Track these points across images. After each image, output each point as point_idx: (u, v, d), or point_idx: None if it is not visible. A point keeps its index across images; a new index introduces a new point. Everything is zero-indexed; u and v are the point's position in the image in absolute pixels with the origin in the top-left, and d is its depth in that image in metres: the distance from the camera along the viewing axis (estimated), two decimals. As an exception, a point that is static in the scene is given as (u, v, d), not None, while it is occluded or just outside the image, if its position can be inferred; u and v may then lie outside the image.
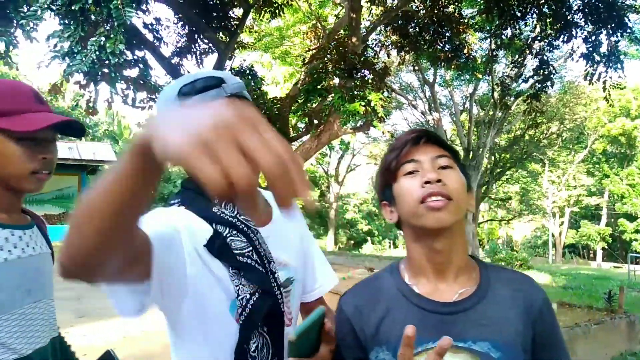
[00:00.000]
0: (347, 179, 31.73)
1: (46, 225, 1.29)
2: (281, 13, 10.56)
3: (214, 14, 9.53)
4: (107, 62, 4.86)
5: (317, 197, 29.02)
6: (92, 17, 4.82)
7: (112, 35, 4.68)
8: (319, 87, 8.80)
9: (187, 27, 9.54)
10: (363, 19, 14.35)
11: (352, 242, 32.10)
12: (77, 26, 4.85)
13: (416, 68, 15.23)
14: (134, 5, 4.68)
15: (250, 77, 10.64)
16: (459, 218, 0.90)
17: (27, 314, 1.06)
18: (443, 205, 0.87)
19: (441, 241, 0.91)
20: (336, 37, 10.08)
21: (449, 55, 10.90)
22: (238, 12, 10.18)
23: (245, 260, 0.96)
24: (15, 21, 5.26)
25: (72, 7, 4.68)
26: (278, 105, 10.01)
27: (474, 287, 0.93)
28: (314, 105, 9.68)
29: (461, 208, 0.91)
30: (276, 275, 1.01)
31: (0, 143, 1.04)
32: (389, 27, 11.11)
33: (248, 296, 0.95)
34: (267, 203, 1.12)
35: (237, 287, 0.95)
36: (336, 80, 8.99)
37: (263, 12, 10.21)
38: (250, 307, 0.94)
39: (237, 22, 10.01)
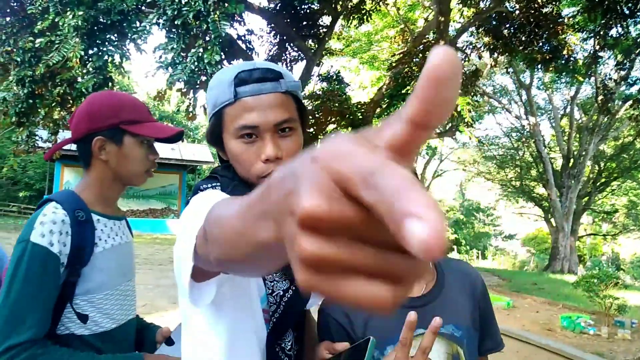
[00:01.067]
0: (433, 185, 30.90)
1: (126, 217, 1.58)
2: (369, 18, 10.67)
3: (304, 22, 9.92)
4: (204, 71, 5.33)
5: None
6: (193, 30, 5.30)
7: (209, 47, 5.13)
8: (403, 91, 8.77)
9: (278, 37, 10.06)
10: (453, 21, 13.99)
11: (438, 250, 31.02)
12: (180, 39, 5.38)
13: (510, 70, 14.48)
14: (229, 18, 5.09)
15: (336, 82, 10.91)
16: None
17: (123, 291, 1.28)
18: None
19: None
20: (423, 40, 9.95)
21: (547, 57, 10.23)
22: (327, 19, 10.49)
23: None
24: (128, 36, 5.97)
25: (176, 22, 5.20)
26: (362, 110, 10.13)
27: (434, 280, 1.05)
28: (398, 109, 9.65)
29: None
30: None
31: (133, 146, 1.26)
32: (481, 29, 10.72)
33: (282, 293, 0.88)
34: None
35: (272, 283, 0.88)
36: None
37: (351, 18, 10.41)
38: (284, 304, 0.88)
39: (325, 30, 10.32)
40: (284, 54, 10.37)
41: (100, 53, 6.01)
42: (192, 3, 5.20)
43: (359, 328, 0.98)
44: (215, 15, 5.12)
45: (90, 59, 5.90)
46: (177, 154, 21.42)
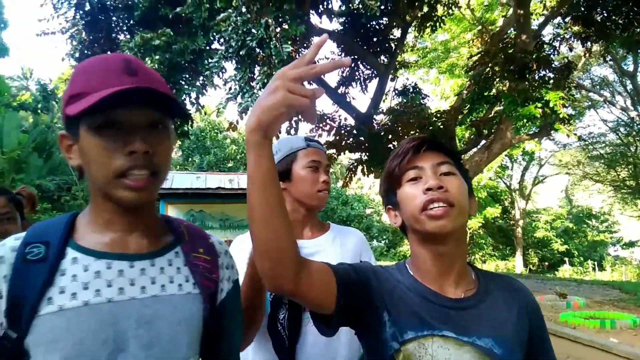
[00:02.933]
0: (534, 193, 28.55)
1: None
2: (442, 25, 10.26)
3: (374, 39, 9.79)
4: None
5: (500, 214, 26.68)
6: (257, 57, 5.37)
7: (273, 73, 5.15)
8: (485, 94, 8.16)
9: (349, 56, 10.01)
10: (536, 14, 12.98)
11: (546, 263, 28.46)
12: (246, 68, 5.48)
13: (608, 58, 12.99)
14: (290, 40, 5.08)
15: (414, 94, 10.57)
16: (461, 224, 0.96)
17: None
18: (444, 212, 0.92)
19: (445, 245, 0.96)
20: (502, 39, 9.28)
21: (653, 36, 9.00)
22: (397, 32, 10.26)
23: None
24: (202, 73, 6.24)
25: (241, 52, 5.31)
26: (443, 119, 9.63)
27: (474, 289, 1.00)
28: (481, 114, 9.01)
29: (463, 214, 0.95)
30: None
31: (86, 135, 0.79)
32: (568, 17, 9.77)
33: None
34: (323, 228, 1.58)
35: None
36: (507, 85, 8.22)
37: (423, 27, 10.08)
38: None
39: (396, 43, 10.09)
40: (356, 74, 10.29)
41: (177, 92, 6.34)
42: (255, 31, 5.30)
43: (380, 292, 0.99)
44: (277, 40, 5.14)
45: (168, 99, 6.24)
46: (236, 184, 22.00)
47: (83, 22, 6.61)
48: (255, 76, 5.52)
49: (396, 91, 11.06)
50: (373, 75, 10.33)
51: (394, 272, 1.05)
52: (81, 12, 6.62)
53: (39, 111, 25.19)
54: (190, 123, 6.93)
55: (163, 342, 0.81)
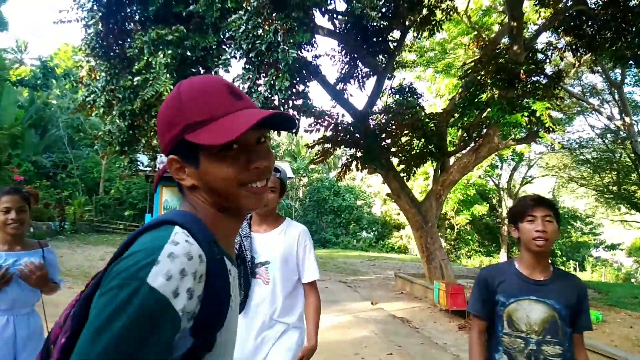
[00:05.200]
0: (522, 193, 29.23)
1: None
2: (440, 29, 10.66)
3: (373, 39, 10.16)
4: (277, 97, 5.79)
5: (487, 212, 27.37)
6: (265, 60, 5.78)
7: (280, 75, 5.57)
8: (475, 100, 8.63)
9: (349, 55, 10.39)
10: (532, 23, 13.40)
11: (529, 262, 29.21)
12: (254, 69, 5.89)
13: (597, 69, 13.49)
14: (297, 46, 5.49)
15: (409, 95, 10.98)
16: (550, 247, 1.86)
17: None
18: (543, 244, 1.83)
19: (542, 255, 1.89)
20: (496, 47, 9.72)
21: (638, 53, 9.48)
22: (396, 34, 10.64)
23: (235, 246, 2.09)
24: (211, 69, 6.63)
25: (250, 54, 5.72)
26: (435, 121, 10.10)
27: (550, 275, 1.90)
28: (471, 119, 9.48)
29: (552, 242, 1.87)
30: (249, 255, 2.22)
31: (210, 161, 0.81)
32: (560, 29, 10.23)
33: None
34: (277, 222, 2.30)
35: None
36: (497, 92, 8.68)
37: (421, 30, 10.47)
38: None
39: (395, 44, 10.48)
40: (355, 71, 10.68)
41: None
42: (264, 36, 5.70)
43: (492, 286, 1.94)
44: (285, 45, 5.55)
45: (178, 92, 6.63)
46: None
47: (100, 13, 6.94)
48: (262, 77, 5.93)
49: (392, 90, 11.47)
50: (371, 73, 10.72)
51: (505, 266, 2.01)
52: (98, 3, 6.95)
53: (38, 88, 25.32)
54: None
55: None
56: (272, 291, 2.19)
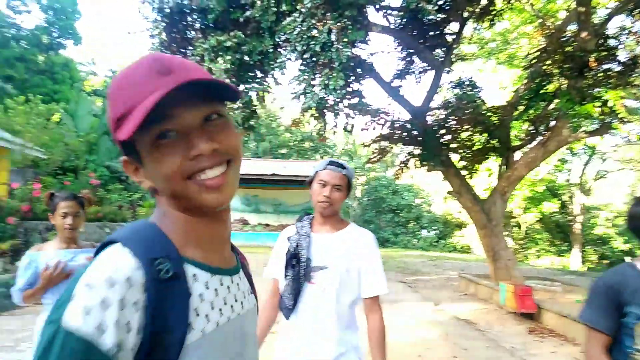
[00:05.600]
0: (595, 188, 27.34)
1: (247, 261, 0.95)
2: (501, 19, 10.20)
3: (430, 33, 9.91)
4: (331, 96, 5.80)
5: (558, 209, 25.80)
6: (320, 60, 5.81)
7: (333, 74, 5.58)
8: (542, 91, 8.16)
9: (404, 51, 10.20)
10: (600, 7, 12.47)
11: (606, 261, 27.28)
12: (309, 70, 5.94)
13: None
14: (351, 45, 5.47)
15: (469, 88, 10.59)
16: None
17: None
18: None
19: None
20: (562, 35, 9.14)
21: None
22: (454, 26, 10.30)
23: (289, 245, 1.98)
24: (267, 72, 6.78)
25: (305, 55, 5.77)
26: (498, 114, 9.67)
27: None
28: (538, 111, 8.98)
29: None
30: (305, 257, 1.93)
31: (145, 160, 0.72)
32: (636, 11, 9.41)
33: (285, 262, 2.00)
34: (341, 225, 2.05)
35: (285, 258, 1.98)
36: (565, 82, 8.15)
37: (481, 21, 10.07)
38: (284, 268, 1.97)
39: (453, 37, 10.15)
40: (411, 67, 10.48)
41: (246, 90, 6.92)
42: (318, 36, 5.73)
43: (624, 296, 1.61)
44: (339, 44, 5.55)
45: (251, 97, 6.85)
46: (290, 171, 22.72)
47: (163, 23, 7.30)
48: (316, 78, 5.97)
49: (452, 84, 11.11)
50: (428, 68, 10.46)
51: (626, 269, 1.69)
52: (162, 15, 7.31)
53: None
54: (256, 117, 7.51)
55: None
56: (327, 300, 1.90)
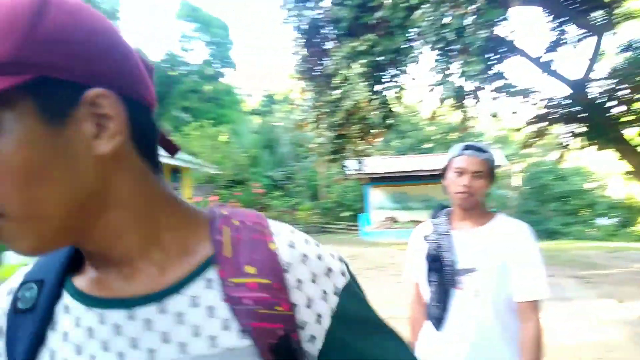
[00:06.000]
0: None
1: None
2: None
3: (584, -5, 8.76)
4: (470, 82, 5.57)
5: None
6: (454, 48, 5.63)
7: (471, 60, 5.35)
8: None
9: (554, 20, 9.17)
10: None
11: None
12: (444, 59, 5.80)
13: None
14: (487, 26, 5.19)
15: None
16: None
17: None
18: None
19: None
20: None
21: None
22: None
23: (428, 245, 1.72)
24: (401, 69, 6.81)
25: (437, 45, 5.66)
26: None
27: None
28: None
29: None
30: (449, 258, 1.66)
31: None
32: None
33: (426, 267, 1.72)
34: (485, 218, 1.73)
35: (426, 261, 1.73)
36: None
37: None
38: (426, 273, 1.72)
39: (614, -6, 8.80)
40: (563, 37, 9.38)
41: (381, 90, 7.06)
42: (451, 23, 5.56)
43: None
44: (474, 28, 5.31)
45: (374, 98, 7.02)
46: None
47: (303, 40, 7.88)
48: (452, 67, 5.79)
49: (620, 47, 9.61)
50: (585, 35, 9.25)
51: None
52: (301, 32, 7.90)
53: (266, 114, 30.03)
54: (394, 116, 7.61)
55: None
56: (479, 308, 1.61)
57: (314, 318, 0.50)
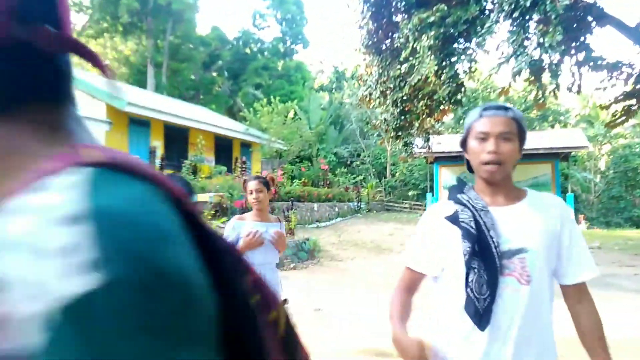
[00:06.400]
0: None
1: None
2: None
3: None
4: (548, 55, 5.17)
5: None
6: (532, 17, 5.25)
7: (550, 30, 4.96)
8: None
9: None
10: None
11: None
12: (520, 29, 5.43)
13: None
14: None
15: None
16: None
17: None
18: None
19: None
20: None
21: None
22: None
23: (464, 226, 1.39)
24: (474, 41, 6.45)
25: (514, 15, 5.30)
26: None
27: None
28: None
29: None
30: (494, 238, 1.35)
31: None
32: None
33: (466, 250, 1.38)
34: (518, 193, 1.47)
35: (464, 244, 1.39)
36: None
37: None
38: (466, 255, 1.38)
39: None
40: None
41: (450, 64, 6.76)
42: (529, -10, 5.17)
43: None
44: (554, -5, 4.90)
45: (443, 71, 6.74)
46: (547, 141, 20.35)
47: (370, 12, 7.70)
48: (528, 36, 5.40)
49: None
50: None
51: None
52: (368, 4, 7.73)
53: (333, 91, 29.95)
54: (463, 91, 7.27)
55: None
56: (535, 296, 1.35)
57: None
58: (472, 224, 1.37)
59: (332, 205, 17.33)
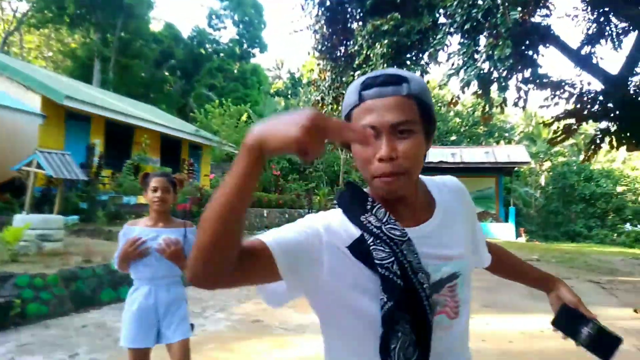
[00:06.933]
0: None
1: None
2: None
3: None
4: (496, 68, 5.22)
5: None
6: (483, 30, 5.28)
7: (499, 43, 5.00)
8: None
9: (596, 11, 8.63)
10: None
11: None
12: (470, 41, 5.45)
13: None
14: (518, 8, 4.82)
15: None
16: None
17: None
18: None
19: None
20: None
21: None
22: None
23: (383, 272, 0.87)
24: (426, 51, 6.46)
25: (465, 26, 5.32)
26: None
27: None
28: None
29: None
30: (424, 285, 0.88)
31: None
32: None
33: (387, 307, 0.86)
34: (430, 197, 1.02)
35: (382, 296, 0.87)
36: None
37: None
38: (384, 312, 0.86)
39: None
40: (606, 29, 8.83)
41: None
42: (480, 2, 5.21)
43: None
44: (504, 7, 4.96)
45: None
46: (492, 157, 21.13)
47: (324, 17, 7.58)
48: (478, 49, 5.44)
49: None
50: (629, 28, 8.69)
51: None
52: (323, 8, 7.60)
53: (289, 96, 29.81)
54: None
55: None
56: (464, 322, 0.99)
57: None
58: (395, 267, 0.87)
59: (282, 212, 17.06)
